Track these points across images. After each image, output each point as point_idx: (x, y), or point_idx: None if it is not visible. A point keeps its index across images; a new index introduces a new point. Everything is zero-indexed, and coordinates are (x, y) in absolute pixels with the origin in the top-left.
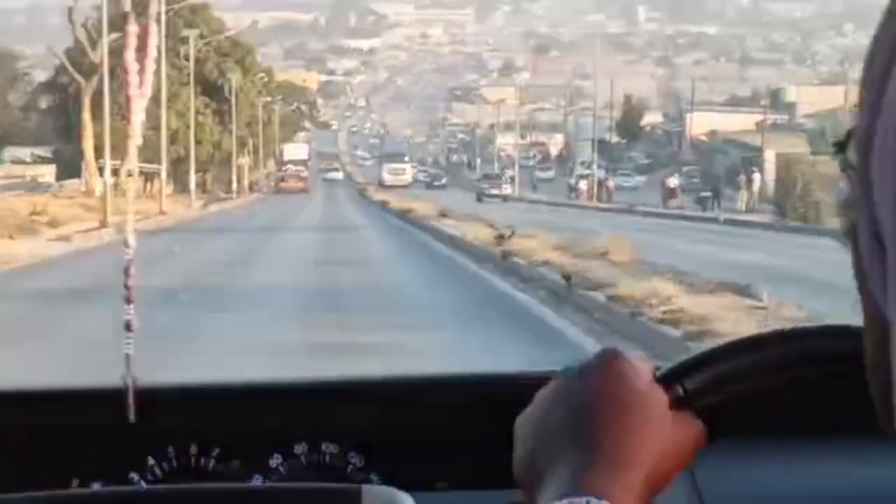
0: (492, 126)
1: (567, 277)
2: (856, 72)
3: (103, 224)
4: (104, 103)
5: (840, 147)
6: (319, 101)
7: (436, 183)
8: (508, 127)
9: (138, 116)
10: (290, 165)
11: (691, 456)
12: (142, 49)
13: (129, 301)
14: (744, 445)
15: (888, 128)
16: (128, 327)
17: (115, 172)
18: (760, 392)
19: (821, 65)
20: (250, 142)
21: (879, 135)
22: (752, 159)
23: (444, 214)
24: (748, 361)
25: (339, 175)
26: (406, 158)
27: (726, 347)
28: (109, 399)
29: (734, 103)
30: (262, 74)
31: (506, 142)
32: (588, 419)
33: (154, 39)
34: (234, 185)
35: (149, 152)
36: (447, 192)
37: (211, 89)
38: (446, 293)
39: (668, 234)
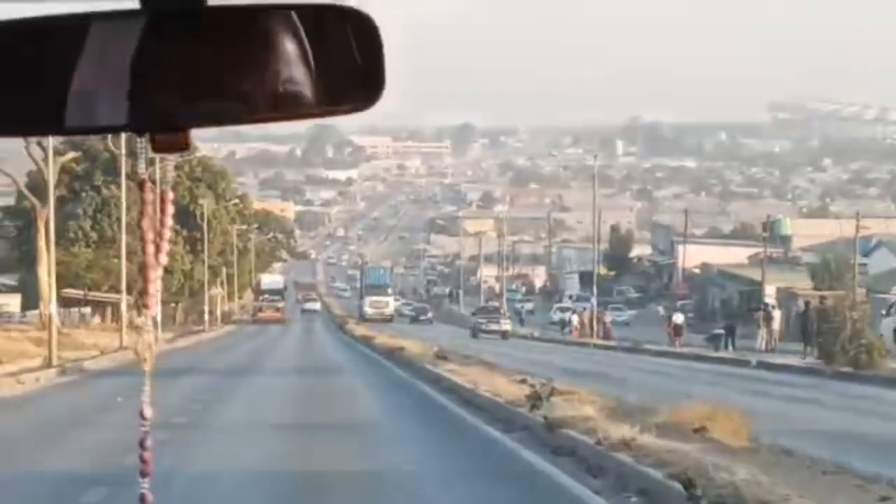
0: (472, 258)
1: (689, 484)
2: (838, 206)
3: (48, 363)
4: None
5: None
6: (297, 232)
7: (421, 317)
8: (489, 259)
9: (153, 286)
10: (266, 296)
11: None
12: (155, 216)
13: (143, 475)
14: None
15: None
16: (142, 501)
17: (79, 302)
18: None
19: (801, 199)
20: (224, 271)
21: None
22: (751, 294)
23: (442, 356)
24: None
25: (317, 306)
26: (389, 290)
27: None
28: None
29: (716, 236)
30: (236, 201)
31: (489, 274)
32: None
33: (171, 208)
34: (206, 317)
35: (113, 279)
36: (433, 326)
37: (182, 215)
38: (482, 495)
39: (709, 383)
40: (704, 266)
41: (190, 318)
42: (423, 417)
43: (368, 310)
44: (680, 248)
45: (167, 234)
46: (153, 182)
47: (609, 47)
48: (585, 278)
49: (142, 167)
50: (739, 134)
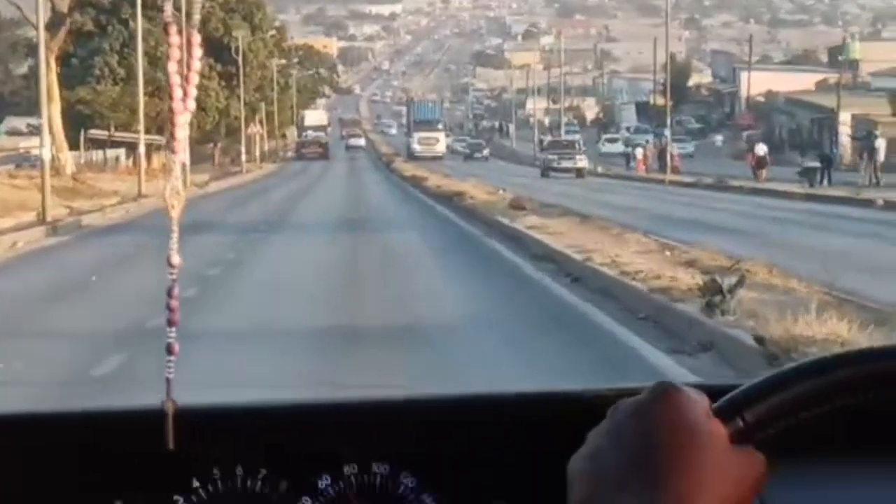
0: (520, 90)
1: None
2: (889, 32)
3: (40, 219)
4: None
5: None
6: (340, 68)
7: (476, 154)
8: (538, 92)
9: (182, 132)
10: (309, 132)
11: (755, 492)
12: (186, 60)
13: (171, 323)
14: (809, 470)
15: None
16: (169, 350)
17: (105, 143)
18: (827, 417)
19: (851, 25)
20: (263, 108)
21: None
22: (822, 122)
23: (518, 206)
24: (814, 386)
25: (362, 141)
26: (440, 126)
27: (787, 373)
28: (150, 424)
29: (769, 63)
30: (273, 32)
31: (538, 107)
32: (646, 463)
33: (198, 51)
34: (244, 157)
35: (147, 120)
36: (489, 163)
37: (215, 49)
38: None
39: (871, 234)
40: (769, 94)
41: (229, 157)
42: (530, 305)
43: (417, 147)
44: (742, 75)
45: (194, 78)
46: (179, 19)
47: None
48: (641, 108)
49: (168, 8)
50: None
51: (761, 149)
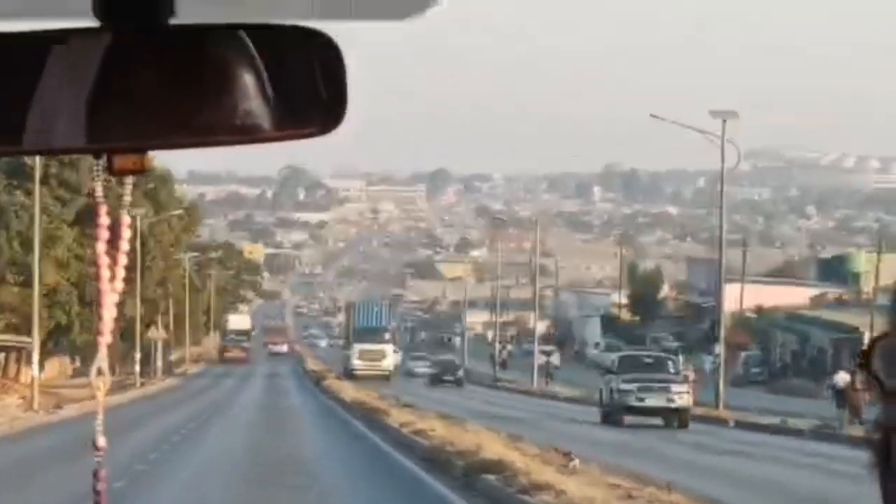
0: (454, 304)
1: None
2: (826, 253)
3: None
4: None
5: (864, 356)
6: (266, 275)
7: (446, 377)
8: (473, 304)
9: (109, 312)
10: (233, 336)
11: None
12: (114, 242)
13: None
14: None
15: None
16: None
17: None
18: None
19: (788, 247)
20: (167, 308)
21: None
22: (846, 342)
23: None
24: None
25: (285, 348)
26: (387, 335)
27: None
28: None
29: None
30: (180, 212)
31: (474, 320)
32: None
33: (127, 232)
34: (137, 368)
35: (17, 317)
36: (467, 391)
37: (111, 230)
38: None
39: None
40: (761, 309)
41: (124, 368)
42: None
43: (357, 362)
44: (726, 287)
45: (123, 259)
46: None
47: (582, 95)
48: (607, 323)
49: (99, 191)
50: (719, 181)
51: (843, 378)
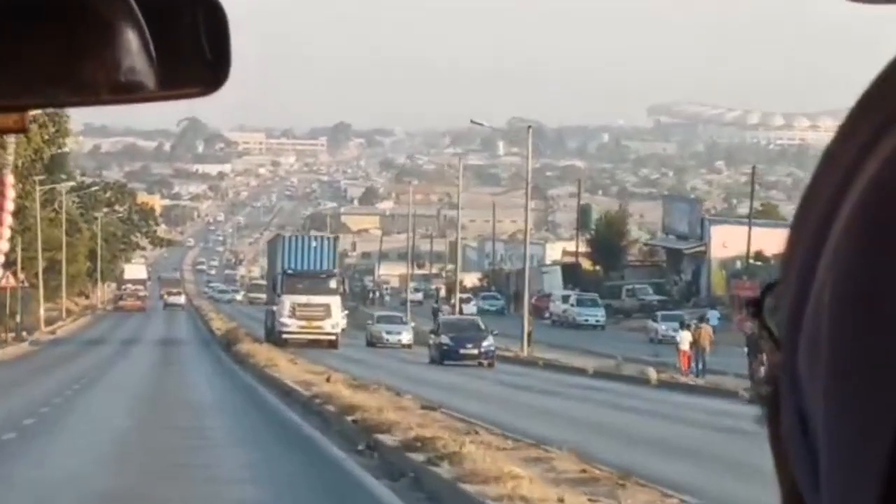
0: (365, 255)
1: None
2: (743, 208)
3: None
4: None
5: (756, 306)
6: (163, 227)
7: (466, 350)
8: (385, 256)
9: None
10: (129, 285)
11: None
12: None
13: None
14: None
15: (824, 286)
16: None
17: None
18: None
19: (703, 199)
20: (25, 248)
21: (812, 303)
22: None
23: None
24: None
25: (181, 300)
26: (332, 283)
27: None
28: None
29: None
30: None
31: (388, 272)
32: None
33: (11, 192)
34: None
35: None
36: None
37: None
38: None
39: None
40: (761, 255)
41: None
42: None
43: (289, 321)
44: (714, 230)
45: (7, 219)
46: None
47: (484, 48)
48: (570, 274)
49: None
50: (622, 137)
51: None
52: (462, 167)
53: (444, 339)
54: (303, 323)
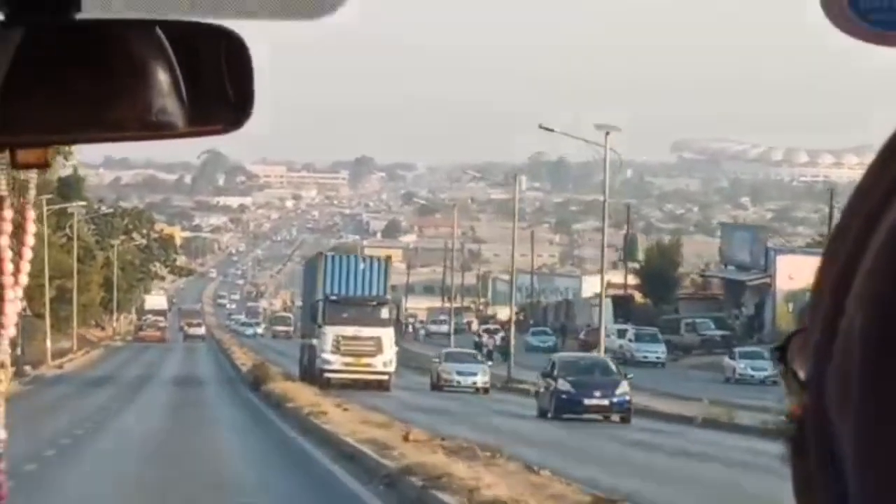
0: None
1: None
2: (772, 242)
3: None
4: None
5: (780, 352)
6: (183, 258)
7: (594, 401)
8: (410, 289)
9: (12, 306)
10: (149, 316)
11: None
12: (18, 235)
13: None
14: None
15: (853, 322)
16: None
17: None
18: None
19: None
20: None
21: (841, 339)
22: None
23: None
24: None
25: (202, 330)
26: (384, 312)
27: None
28: None
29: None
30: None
31: (416, 306)
32: None
33: (32, 227)
34: None
35: None
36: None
37: None
38: None
39: None
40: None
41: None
42: None
43: (332, 357)
44: (780, 260)
45: (28, 253)
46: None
47: (504, 90)
48: (621, 305)
49: (2, 185)
50: (646, 173)
51: None
52: (484, 202)
53: (563, 384)
54: (349, 360)
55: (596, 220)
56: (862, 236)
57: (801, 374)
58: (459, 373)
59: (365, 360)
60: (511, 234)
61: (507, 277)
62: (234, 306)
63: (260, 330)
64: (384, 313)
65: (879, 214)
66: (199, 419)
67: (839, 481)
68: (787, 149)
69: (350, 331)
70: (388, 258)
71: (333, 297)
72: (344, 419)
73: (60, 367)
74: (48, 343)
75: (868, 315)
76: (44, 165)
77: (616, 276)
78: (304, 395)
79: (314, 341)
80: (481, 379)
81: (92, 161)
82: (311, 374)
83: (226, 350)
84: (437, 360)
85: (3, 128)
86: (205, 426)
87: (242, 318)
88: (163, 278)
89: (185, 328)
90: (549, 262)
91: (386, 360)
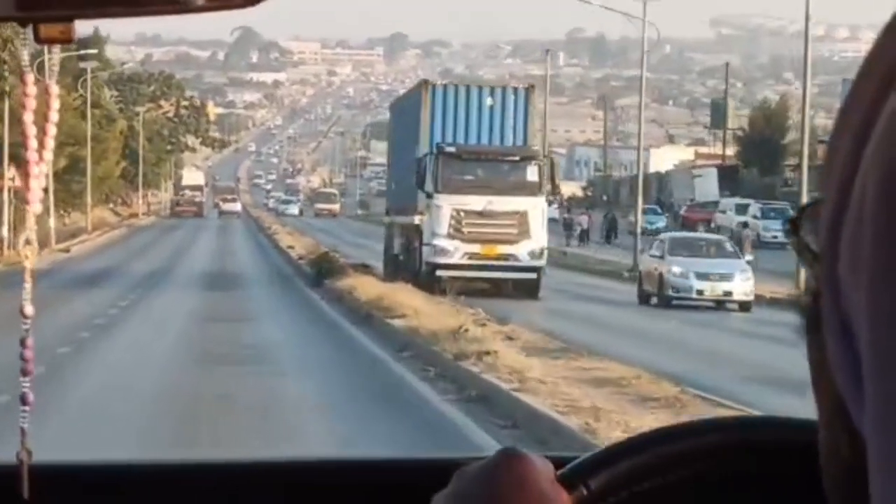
0: None
1: None
2: (822, 119)
3: None
4: None
5: (793, 224)
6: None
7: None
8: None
9: (37, 182)
10: (186, 191)
11: None
12: (42, 111)
13: (25, 373)
14: None
15: (865, 188)
16: (23, 401)
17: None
18: (671, 487)
19: None
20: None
21: (853, 208)
22: None
23: None
24: (658, 455)
25: (238, 206)
26: (531, 173)
27: (634, 441)
28: (5, 474)
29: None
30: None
31: None
32: None
33: (56, 102)
34: None
35: None
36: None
37: None
38: None
39: None
40: None
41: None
42: None
43: (451, 244)
44: None
45: (51, 129)
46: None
47: None
48: (728, 176)
49: (26, 59)
50: (685, 49)
51: None
52: (523, 77)
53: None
54: (476, 248)
55: (637, 96)
56: (875, 101)
57: (814, 246)
58: (701, 276)
59: (501, 249)
60: (552, 110)
61: (564, 152)
62: (269, 186)
63: (296, 210)
64: (530, 174)
65: (892, 78)
66: (244, 357)
67: (852, 353)
68: (829, 24)
69: (479, 202)
70: (531, 87)
71: (450, 149)
72: (535, 365)
73: (67, 250)
74: (51, 222)
75: (880, 180)
76: (68, 40)
77: (703, 148)
78: (416, 306)
79: (416, 219)
80: (741, 287)
81: (123, 38)
82: (410, 269)
83: (266, 229)
84: (653, 251)
85: (26, 3)
86: (261, 378)
87: (282, 195)
88: (194, 150)
89: (220, 204)
90: (591, 138)
91: (534, 249)
